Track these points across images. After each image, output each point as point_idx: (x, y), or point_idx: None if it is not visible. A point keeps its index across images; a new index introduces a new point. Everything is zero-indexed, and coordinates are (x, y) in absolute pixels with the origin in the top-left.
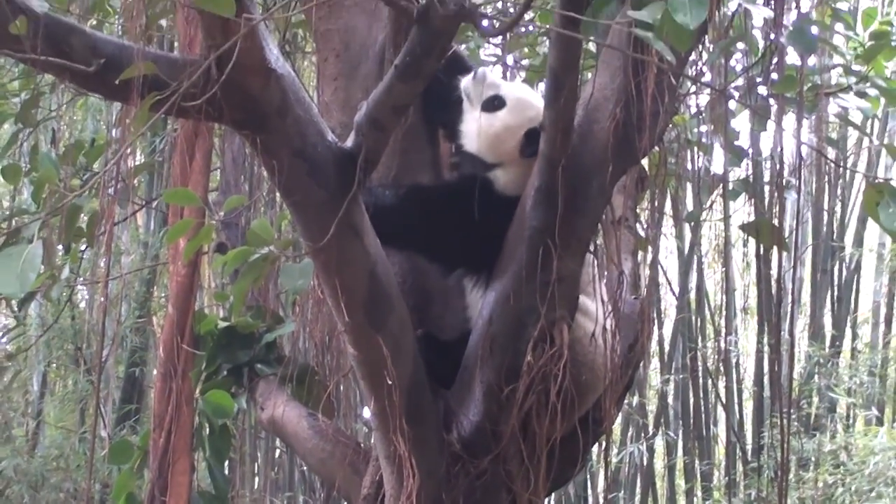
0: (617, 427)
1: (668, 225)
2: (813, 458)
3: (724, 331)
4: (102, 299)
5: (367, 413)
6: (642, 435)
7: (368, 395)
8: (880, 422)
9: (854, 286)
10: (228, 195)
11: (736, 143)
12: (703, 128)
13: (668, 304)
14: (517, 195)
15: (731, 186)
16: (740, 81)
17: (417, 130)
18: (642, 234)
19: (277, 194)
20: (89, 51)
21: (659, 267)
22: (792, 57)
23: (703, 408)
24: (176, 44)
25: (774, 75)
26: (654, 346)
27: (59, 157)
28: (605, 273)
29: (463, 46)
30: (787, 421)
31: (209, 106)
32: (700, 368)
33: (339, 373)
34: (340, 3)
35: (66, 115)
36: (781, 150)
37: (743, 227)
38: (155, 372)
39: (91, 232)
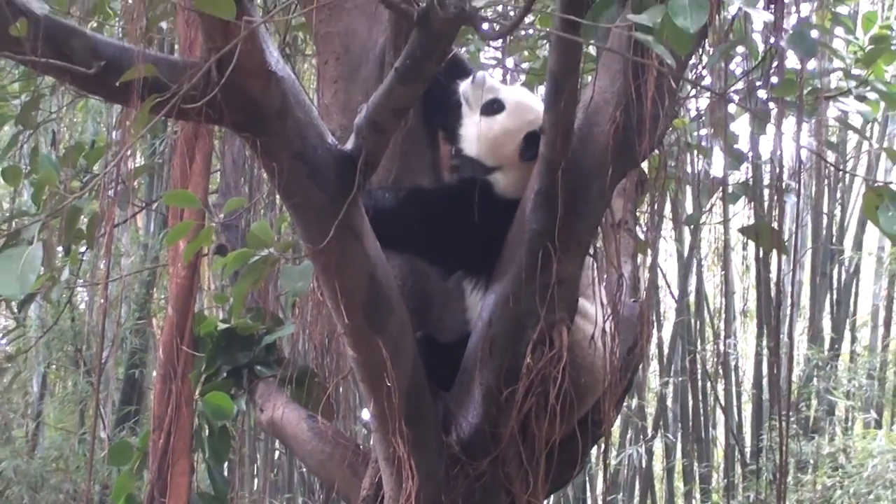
0: (616, 429)
1: (667, 228)
2: (811, 461)
3: (723, 334)
4: (102, 301)
5: (366, 415)
6: (641, 437)
7: (368, 397)
8: (879, 425)
9: (853, 289)
10: (228, 197)
11: (735, 146)
12: (703, 131)
13: (668, 306)
14: (517, 198)
15: (730, 190)
16: (740, 85)
17: (417, 133)
18: (642, 237)
19: (277, 197)
20: (90, 53)
21: (658, 270)
22: (792, 61)
23: (701, 410)
24: (176, 46)
25: (774, 79)
26: (653, 349)
27: (59, 158)
28: (605, 276)
29: (463, 50)
30: (785, 424)
31: (209, 108)
32: (699, 371)
33: (339, 375)
34: (341, 6)
35: (66, 117)
36: (781, 153)
37: (742, 231)
38: (154, 373)
39: (91, 234)
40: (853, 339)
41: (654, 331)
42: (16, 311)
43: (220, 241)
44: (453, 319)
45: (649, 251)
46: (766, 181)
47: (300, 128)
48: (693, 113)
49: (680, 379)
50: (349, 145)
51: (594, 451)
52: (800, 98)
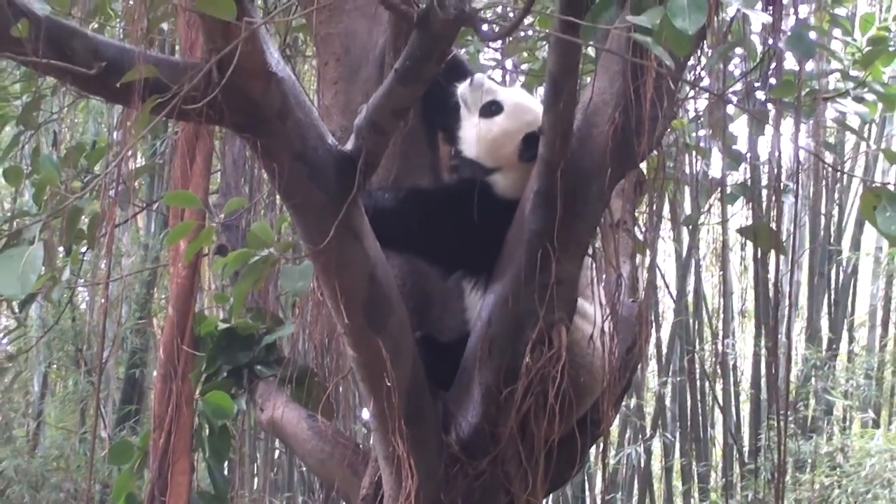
0: (615, 429)
1: (666, 228)
2: (809, 460)
3: (721, 334)
4: (103, 301)
5: (366, 414)
6: (640, 437)
7: (368, 397)
8: (876, 424)
9: (851, 289)
10: (229, 197)
11: (734, 147)
12: (702, 132)
13: (666, 307)
14: (516, 198)
15: (729, 190)
16: (739, 86)
17: (417, 134)
18: (640, 237)
19: (277, 197)
20: (91, 54)
21: (657, 270)
22: (790, 62)
23: (700, 410)
24: (177, 47)
25: (773, 80)
26: (651, 349)
27: (60, 159)
28: (604, 276)
29: (463, 51)
30: (783, 423)
31: (210, 109)
32: (697, 371)
33: (339, 374)
34: (341, 7)
35: (67, 118)
36: (779, 154)
37: (741, 231)
38: (155, 373)
39: (92, 234)
40: (851, 339)
41: (653, 331)
42: (17, 310)
43: (221, 241)
44: (453, 319)
45: (648, 251)
46: (765, 182)
47: (300, 128)
48: (692, 114)
49: (678, 379)
50: (349, 146)
51: (593, 450)
52: (798, 99)
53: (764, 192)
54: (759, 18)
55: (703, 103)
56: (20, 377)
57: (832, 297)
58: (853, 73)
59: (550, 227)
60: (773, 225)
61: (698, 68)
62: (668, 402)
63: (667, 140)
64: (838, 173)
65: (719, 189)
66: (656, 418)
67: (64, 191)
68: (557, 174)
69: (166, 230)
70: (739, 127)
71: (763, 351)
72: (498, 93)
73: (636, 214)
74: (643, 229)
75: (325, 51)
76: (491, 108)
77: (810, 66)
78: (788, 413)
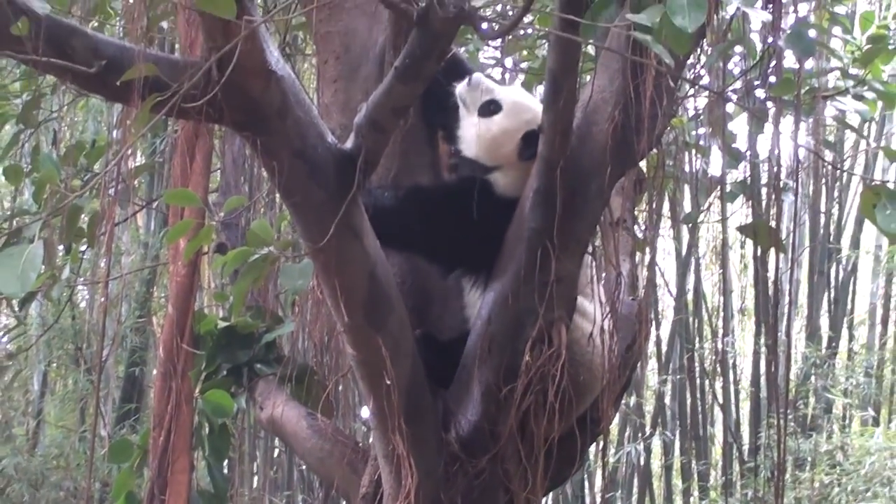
0: (614, 427)
1: (665, 227)
2: (809, 459)
3: (721, 332)
4: (103, 299)
5: (365, 413)
6: (639, 435)
7: (367, 395)
8: (876, 422)
9: (851, 288)
10: (228, 196)
11: (734, 145)
12: (702, 130)
13: (666, 305)
14: (516, 196)
15: (728, 188)
16: (738, 84)
17: (417, 132)
18: (640, 235)
19: (277, 195)
20: (91, 52)
21: (657, 268)
22: (790, 60)
23: (700, 408)
24: (177, 46)
25: (772, 78)
26: (651, 347)
27: (60, 157)
28: (604, 274)
29: (462, 49)
30: (783, 421)
31: (210, 107)
32: (697, 369)
33: (338, 373)
34: (340, 6)
35: (67, 117)
36: (779, 152)
37: (740, 229)
38: (155, 371)
39: (92, 232)
40: (851, 338)
41: (653, 329)
42: (17, 309)
43: (221, 239)
44: (453, 317)
45: (648, 249)
46: (764, 180)
47: (300, 127)
48: (691, 112)
49: (678, 377)
50: (349, 144)
51: (593, 448)
52: (797, 97)
53: (764, 191)
54: (758, 16)
55: (702, 101)
56: (20, 375)
57: (832, 295)
58: (853, 71)
59: (550, 225)
60: (773, 223)
61: (698, 66)
62: (667, 400)
63: (666, 138)
64: (838, 171)
65: (719, 187)
66: (656, 416)
67: (64, 189)
68: (557, 172)
69: (166, 229)
70: (739, 125)
71: (763, 349)
72: (496, 92)
73: (636, 212)
74: (643, 227)
75: (324, 49)
76: (489, 107)
77: (810, 64)
78: (788, 411)
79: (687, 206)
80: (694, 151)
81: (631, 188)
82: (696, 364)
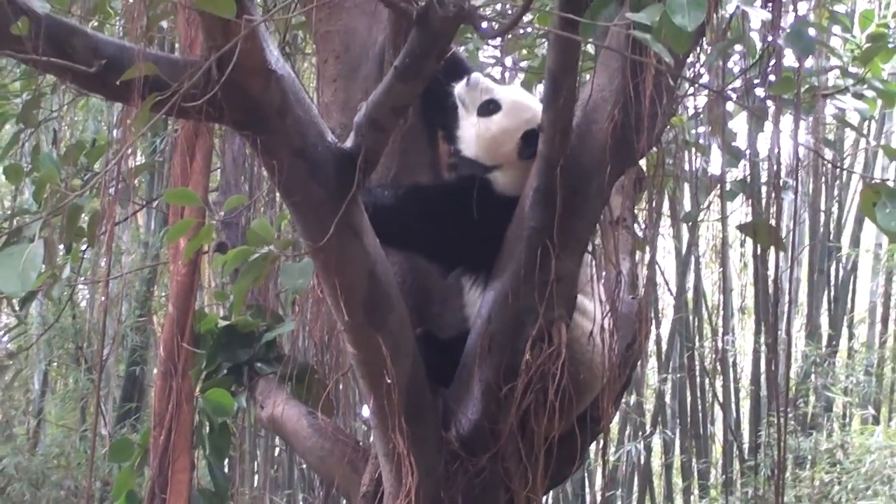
0: (615, 425)
1: (665, 225)
2: (809, 457)
3: (721, 330)
4: (103, 298)
5: (366, 411)
6: (640, 433)
7: (367, 394)
8: (876, 420)
9: (851, 286)
10: (228, 195)
11: (733, 144)
12: (701, 129)
13: (666, 303)
14: (516, 195)
15: (728, 187)
16: (738, 83)
17: (417, 131)
18: (640, 234)
19: (277, 194)
20: (91, 52)
21: (657, 267)
22: (789, 59)
23: (700, 407)
24: (177, 45)
25: (772, 77)
26: (651, 346)
27: (60, 157)
28: (604, 273)
29: (462, 48)
30: (783, 420)
31: (210, 106)
32: (697, 368)
33: (339, 371)
34: (340, 5)
35: (67, 116)
36: (779, 151)
37: (740, 228)
38: (155, 370)
39: (92, 231)
40: (851, 336)
41: (653, 327)
42: (17, 308)
43: (221, 238)
44: (453, 316)
45: (647, 248)
46: (764, 179)
47: (300, 126)
48: (691, 111)
49: (678, 375)
50: (349, 143)
51: (593, 447)
52: (797, 96)
53: (763, 189)
54: (758, 15)
55: (702, 100)
56: (21, 375)
57: (832, 293)
58: (852, 69)
59: (550, 223)
60: (773, 221)
61: (697, 65)
62: (667, 398)
63: (666, 137)
64: (838, 170)
65: (719, 186)
66: (656, 415)
67: (64, 189)
68: (557, 171)
69: (166, 228)
70: (739, 124)
71: (763, 347)
72: (495, 91)
73: (636, 211)
74: (643, 226)
75: (324, 48)
76: (489, 107)
77: (809, 62)
78: (788, 410)
79: (687, 205)
80: (694, 150)
81: (631, 187)
82: (697, 362)
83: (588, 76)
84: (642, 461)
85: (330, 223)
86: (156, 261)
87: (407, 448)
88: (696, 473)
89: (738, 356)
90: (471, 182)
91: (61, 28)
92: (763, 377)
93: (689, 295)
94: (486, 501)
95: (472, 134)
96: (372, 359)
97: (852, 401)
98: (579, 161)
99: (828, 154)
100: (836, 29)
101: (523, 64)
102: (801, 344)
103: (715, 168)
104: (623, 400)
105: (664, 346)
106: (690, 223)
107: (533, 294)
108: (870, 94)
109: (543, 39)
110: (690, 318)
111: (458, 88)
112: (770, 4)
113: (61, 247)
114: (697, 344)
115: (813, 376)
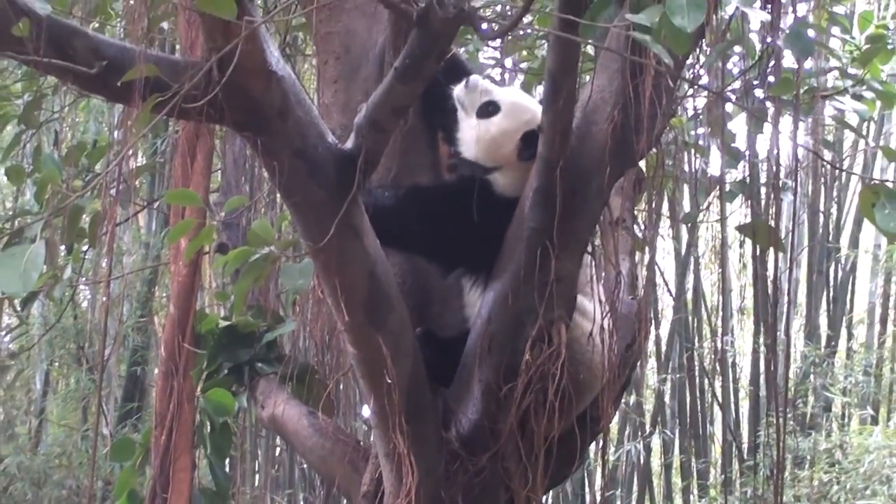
0: (614, 426)
1: (665, 226)
2: (808, 457)
3: (720, 331)
4: (104, 299)
5: (366, 411)
6: (639, 433)
7: (368, 394)
8: (875, 421)
9: (850, 287)
10: (229, 196)
11: (733, 145)
12: (701, 130)
13: (665, 304)
14: (516, 196)
15: (727, 188)
16: (737, 84)
17: (417, 133)
18: (640, 235)
19: (278, 195)
20: (91, 53)
21: (656, 267)
22: (788, 60)
23: (699, 407)
24: (177, 46)
25: (771, 78)
26: (651, 346)
27: (61, 158)
28: (603, 273)
29: (462, 49)
30: (782, 420)
31: (210, 108)
32: (697, 368)
33: (339, 371)
34: (340, 7)
35: (68, 117)
36: (778, 152)
37: (739, 229)
38: (156, 370)
39: (93, 232)
40: (850, 336)
41: (652, 328)
42: (19, 308)
43: (222, 239)
44: (453, 316)
45: (647, 249)
46: (763, 179)
47: (301, 127)
48: (690, 112)
49: (678, 376)
50: (349, 144)
51: (593, 447)
52: (796, 97)
53: (763, 190)
54: (757, 16)
55: (701, 101)
56: (22, 375)
57: (831, 294)
58: (852, 70)
59: (550, 224)
60: (772, 222)
61: (697, 66)
62: (667, 398)
63: (666, 138)
64: (837, 171)
65: (718, 187)
66: (656, 415)
67: (65, 189)
68: (557, 172)
69: (167, 228)
70: (738, 125)
71: (762, 348)
72: (494, 93)
73: (635, 212)
74: (642, 227)
75: (324, 49)
76: (488, 109)
77: (809, 63)
78: (787, 410)
79: (686, 206)
80: (693, 151)
81: (630, 188)
82: (696, 363)
83: (588, 77)
84: (642, 461)
85: (330, 224)
86: (157, 261)
87: (407, 448)
88: (695, 473)
89: (737, 356)
90: (471, 183)
91: (62, 29)
92: (762, 377)
93: (689, 295)
94: (486, 501)
95: (471, 136)
96: (372, 359)
97: (851, 401)
98: (579, 162)
99: (827, 155)
100: (836, 30)
101: (523, 65)
102: (800, 344)
103: (714, 169)
104: (623, 400)
105: (663, 347)
106: (690, 224)
107: (533, 294)
108: (869, 95)
109: (543, 41)
110: (690, 318)
111: (457, 91)
112: (769, 6)
113: (63, 247)
114: (697, 344)
115: (812, 377)
